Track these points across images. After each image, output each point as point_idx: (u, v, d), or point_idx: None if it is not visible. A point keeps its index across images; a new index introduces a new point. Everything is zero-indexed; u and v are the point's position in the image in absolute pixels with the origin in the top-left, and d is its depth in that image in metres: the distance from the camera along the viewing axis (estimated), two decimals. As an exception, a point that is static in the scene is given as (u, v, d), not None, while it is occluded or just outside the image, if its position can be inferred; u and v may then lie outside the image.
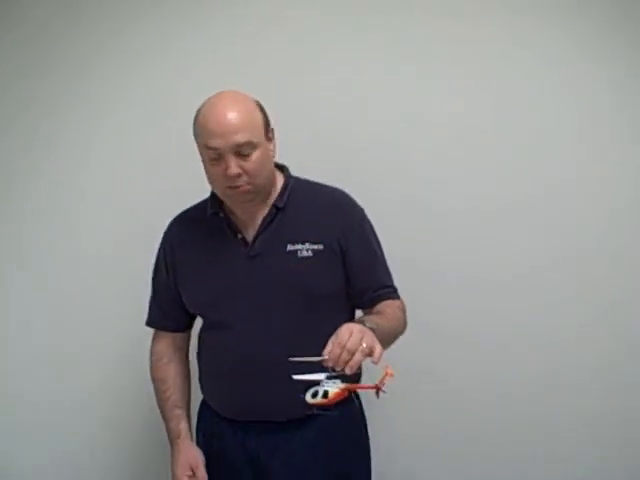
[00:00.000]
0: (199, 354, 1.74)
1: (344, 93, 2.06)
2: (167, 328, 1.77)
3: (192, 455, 1.69)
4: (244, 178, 1.52)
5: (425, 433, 2.14)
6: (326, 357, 1.28)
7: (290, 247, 1.60)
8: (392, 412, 2.01)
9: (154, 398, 1.76)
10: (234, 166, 1.50)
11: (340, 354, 1.27)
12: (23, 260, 2.14)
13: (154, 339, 1.79)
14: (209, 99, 1.55)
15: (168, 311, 1.74)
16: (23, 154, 2.11)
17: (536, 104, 2.04)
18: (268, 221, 1.62)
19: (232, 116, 1.50)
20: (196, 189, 1.69)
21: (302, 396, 1.30)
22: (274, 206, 1.62)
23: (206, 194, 1.68)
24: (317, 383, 1.30)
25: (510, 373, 2.09)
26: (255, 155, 1.52)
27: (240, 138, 1.49)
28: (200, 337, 1.74)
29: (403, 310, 1.67)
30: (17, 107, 2.09)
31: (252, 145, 1.51)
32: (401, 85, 2.06)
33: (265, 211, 1.62)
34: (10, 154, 2.11)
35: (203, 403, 1.76)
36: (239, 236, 1.62)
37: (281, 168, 1.69)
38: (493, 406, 2.11)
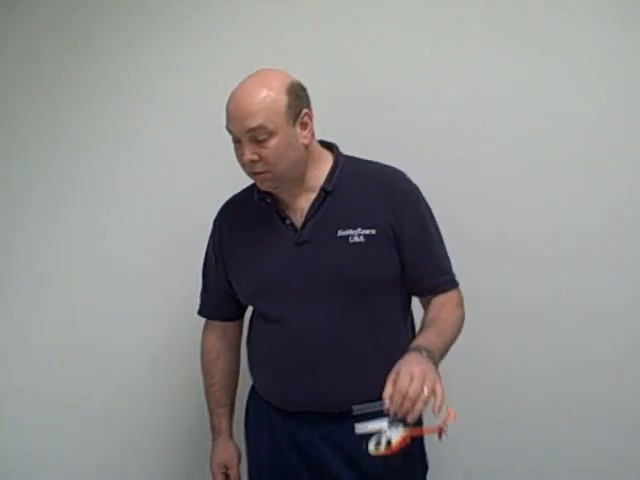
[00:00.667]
0: (249, 341, 1.69)
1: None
2: (217, 317, 1.74)
3: (228, 454, 1.70)
4: (260, 165, 1.46)
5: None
6: (387, 403, 1.24)
7: (341, 232, 1.51)
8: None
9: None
10: (248, 152, 1.45)
11: (402, 403, 1.23)
12: (69, 260, 2.10)
13: (205, 329, 1.76)
14: (240, 82, 1.49)
15: (218, 300, 1.70)
16: (52, 156, 2.08)
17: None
18: (317, 206, 1.53)
19: (247, 100, 1.43)
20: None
21: (365, 447, 1.26)
22: (322, 189, 1.53)
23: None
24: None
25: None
26: (273, 142, 1.44)
27: (252, 123, 1.42)
28: (251, 323, 1.69)
29: (460, 304, 1.57)
30: (47, 106, 2.05)
31: (267, 131, 1.43)
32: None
33: (313, 195, 1.54)
34: (41, 157, 2.08)
35: (253, 390, 1.71)
36: (287, 222, 1.55)
37: (329, 147, 1.60)
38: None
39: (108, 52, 2.03)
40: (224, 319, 1.73)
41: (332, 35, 1.94)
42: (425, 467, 1.67)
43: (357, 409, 1.27)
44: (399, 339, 1.57)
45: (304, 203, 1.54)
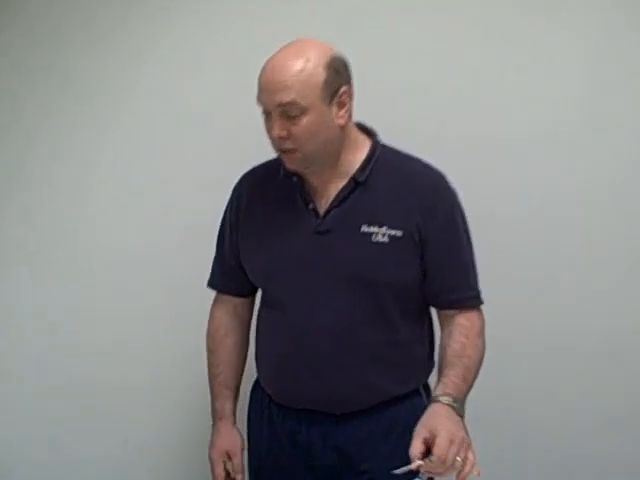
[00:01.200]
0: (257, 332, 1.59)
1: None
2: (229, 291, 1.62)
3: (231, 440, 1.57)
4: (289, 143, 1.34)
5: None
6: (419, 463, 1.23)
7: (365, 228, 1.38)
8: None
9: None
10: (277, 128, 1.33)
11: (436, 467, 1.22)
12: (62, 244, 1.98)
13: (215, 303, 1.65)
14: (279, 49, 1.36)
15: (231, 273, 1.58)
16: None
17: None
18: (344, 195, 1.40)
19: (281, 72, 1.31)
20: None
21: None
22: (353, 179, 1.40)
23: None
24: None
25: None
26: (305, 119, 1.31)
27: (283, 97, 1.30)
28: (259, 314, 1.59)
29: (482, 332, 1.44)
30: (30, 93, 1.92)
31: (299, 107, 1.30)
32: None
33: (342, 183, 1.41)
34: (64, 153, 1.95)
35: (257, 382, 1.62)
36: (310, 206, 1.42)
37: (368, 132, 1.46)
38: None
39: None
40: (236, 294, 1.61)
41: (326, 27, 1.76)
42: None
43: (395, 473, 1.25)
44: (414, 348, 1.48)
45: (332, 190, 1.41)
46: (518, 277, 1.86)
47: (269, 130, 1.35)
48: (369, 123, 1.47)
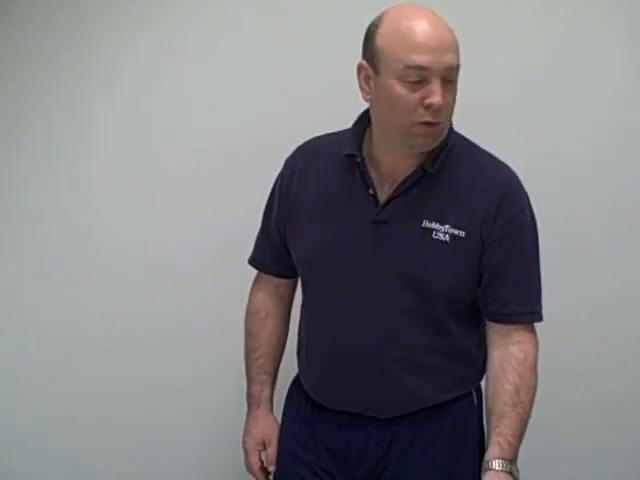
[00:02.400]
0: (300, 325, 1.49)
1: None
2: (271, 271, 1.51)
3: (268, 428, 1.49)
4: (442, 114, 1.20)
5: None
6: None
7: (426, 224, 1.27)
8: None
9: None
10: (440, 94, 1.17)
11: None
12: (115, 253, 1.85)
13: (255, 283, 1.55)
14: (396, 9, 1.22)
15: (275, 251, 1.47)
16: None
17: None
18: (409, 184, 1.28)
19: (445, 30, 1.19)
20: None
21: None
22: (422, 168, 1.27)
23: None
24: None
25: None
26: (456, 86, 1.22)
27: (454, 59, 1.19)
28: (302, 304, 1.48)
29: (535, 364, 1.31)
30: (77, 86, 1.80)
31: (458, 71, 1.21)
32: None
33: (409, 170, 1.28)
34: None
35: (296, 379, 1.51)
36: (371, 191, 1.30)
37: None
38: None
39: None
40: (279, 274, 1.51)
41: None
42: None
43: None
44: (468, 354, 1.36)
45: (397, 177, 1.29)
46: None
47: (422, 99, 1.18)
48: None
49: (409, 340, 1.30)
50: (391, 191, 1.29)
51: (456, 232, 1.25)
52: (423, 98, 1.17)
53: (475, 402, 1.39)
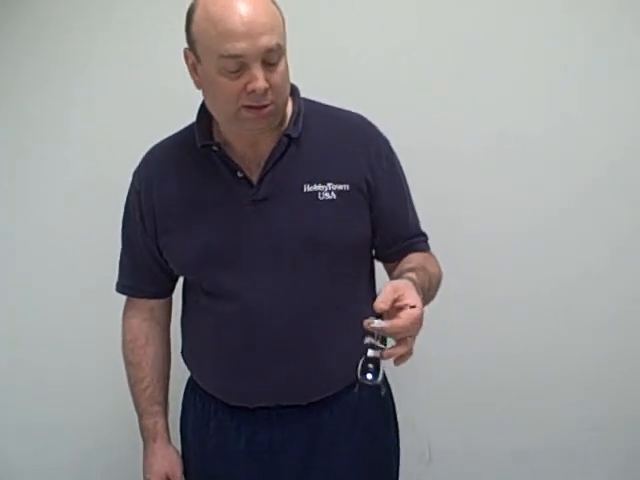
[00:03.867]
0: (185, 323, 1.39)
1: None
2: (146, 294, 1.40)
3: (169, 462, 1.41)
4: (269, 95, 1.15)
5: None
6: (385, 324, 1.03)
7: (308, 188, 1.25)
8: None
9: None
10: (263, 79, 1.12)
11: (400, 331, 1.03)
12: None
13: (127, 310, 1.42)
14: None
15: (147, 272, 1.36)
16: None
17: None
18: (278, 155, 1.25)
19: (258, 11, 1.11)
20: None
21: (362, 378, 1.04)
22: (286, 135, 1.25)
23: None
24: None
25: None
26: (282, 65, 1.16)
27: (271, 41, 1.11)
28: (187, 301, 1.38)
29: (438, 263, 1.36)
30: None
31: (281, 50, 1.15)
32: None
33: (272, 143, 1.25)
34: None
35: (192, 387, 1.41)
36: (239, 174, 1.25)
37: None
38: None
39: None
40: (155, 295, 1.40)
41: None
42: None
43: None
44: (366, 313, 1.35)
45: (262, 152, 1.26)
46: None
47: (245, 85, 1.12)
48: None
49: (324, 311, 1.27)
50: (261, 168, 1.25)
51: (340, 187, 1.25)
52: (246, 84, 1.13)
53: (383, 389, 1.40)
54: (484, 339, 1.84)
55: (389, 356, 1.03)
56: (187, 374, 1.44)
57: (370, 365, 1.02)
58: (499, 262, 1.81)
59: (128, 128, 1.74)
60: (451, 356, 1.84)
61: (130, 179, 1.36)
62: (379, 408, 1.41)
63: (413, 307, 1.03)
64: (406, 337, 1.03)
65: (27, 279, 1.85)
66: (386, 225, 1.32)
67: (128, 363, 1.42)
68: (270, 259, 1.25)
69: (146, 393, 1.40)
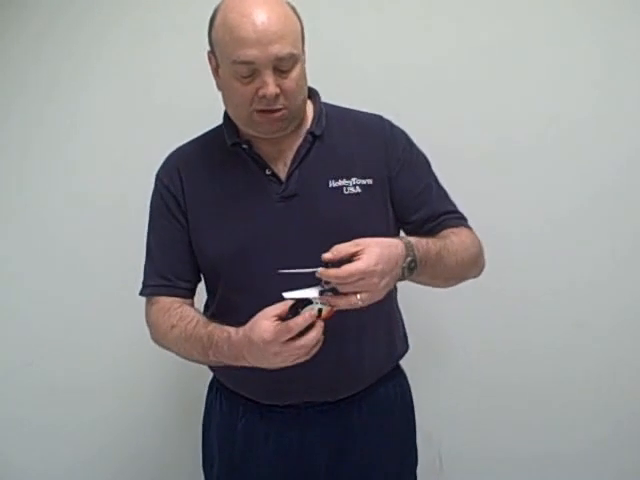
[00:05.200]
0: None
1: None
2: (179, 291, 1.35)
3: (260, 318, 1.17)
4: (281, 100, 1.22)
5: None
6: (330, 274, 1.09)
7: (333, 183, 1.30)
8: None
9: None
10: (273, 85, 1.19)
11: (351, 281, 1.07)
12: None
13: (151, 312, 1.36)
14: None
15: (183, 268, 1.35)
16: None
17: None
18: (303, 153, 1.31)
19: (271, 20, 1.17)
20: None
21: (290, 315, 1.12)
22: (310, 133, 1.31)
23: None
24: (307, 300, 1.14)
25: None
26: (295, 71, 1.22)
27: (282, 49, 1.17)
28: (213, 301, 1.38)
29: (476, 239, 1.36)
30: None
31: (294, 58, 1.20)
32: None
33: (298, 141, 1.31)
34: None
35: (217, 389, 1.41)
36: (268, 172, 1.30)
37: (309, 91, 1.37)
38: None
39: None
40: (183, 295, 1.36)
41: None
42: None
43: (283, 272, 1.10)
44: (395, 314, 1.42)
45: (288, 151, 1.31)
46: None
47: (257, 90, 1.19)
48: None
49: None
50: (287, 165, 1.30)
51: (364, 181, 1.30)
52: (258, 89, 1.20)
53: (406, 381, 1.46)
54: (495, 343, 1.87)
55: (327, 303, 1.10)
56: (207, 377, 1.45)
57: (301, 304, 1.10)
58: (512, 264, 1.83)
59: (132, 134, 1.79)
60: (460, 364, 1.86)
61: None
62: (405, 406, 1.44)
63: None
64: (348, 292, 1.07)
65: (27, 280, 1.84)
66: (410, 209, 1.35)
67: (169, 326, 1.29)
68: (301, 254, 1.25)
69: (200, 323, 1.28)
